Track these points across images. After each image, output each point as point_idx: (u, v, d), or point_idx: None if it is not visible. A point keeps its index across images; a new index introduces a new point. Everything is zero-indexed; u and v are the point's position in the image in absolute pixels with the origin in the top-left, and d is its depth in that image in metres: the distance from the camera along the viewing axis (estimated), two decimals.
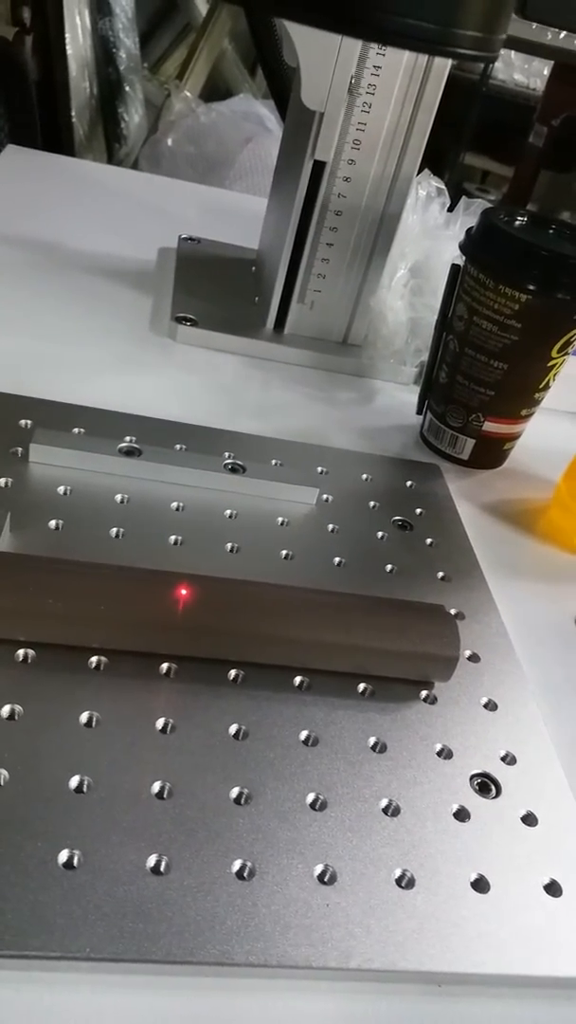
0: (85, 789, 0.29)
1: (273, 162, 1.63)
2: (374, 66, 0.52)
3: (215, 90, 2.37)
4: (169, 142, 1.66)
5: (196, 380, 0.56)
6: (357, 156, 0.54)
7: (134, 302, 0.63)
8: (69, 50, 2.19)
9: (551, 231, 0.51)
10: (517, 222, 0.51)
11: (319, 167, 0.55)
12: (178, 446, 0.47)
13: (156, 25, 2.64)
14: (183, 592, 0.33)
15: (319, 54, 0.49)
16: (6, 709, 0.30)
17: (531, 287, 0.47)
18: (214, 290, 0.64)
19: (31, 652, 0.32)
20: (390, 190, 0.56)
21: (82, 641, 0.33)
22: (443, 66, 0.52)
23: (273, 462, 0.48)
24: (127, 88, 2.37)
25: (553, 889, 0.30)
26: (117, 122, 2.43)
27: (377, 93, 0.52)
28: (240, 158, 1.53)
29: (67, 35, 2.17)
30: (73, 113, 2.10)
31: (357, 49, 0.50)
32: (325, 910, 0.27)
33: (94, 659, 0.33)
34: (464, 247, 0.50)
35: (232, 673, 0.34)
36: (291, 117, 0.61)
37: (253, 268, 0.69)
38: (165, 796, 0.29)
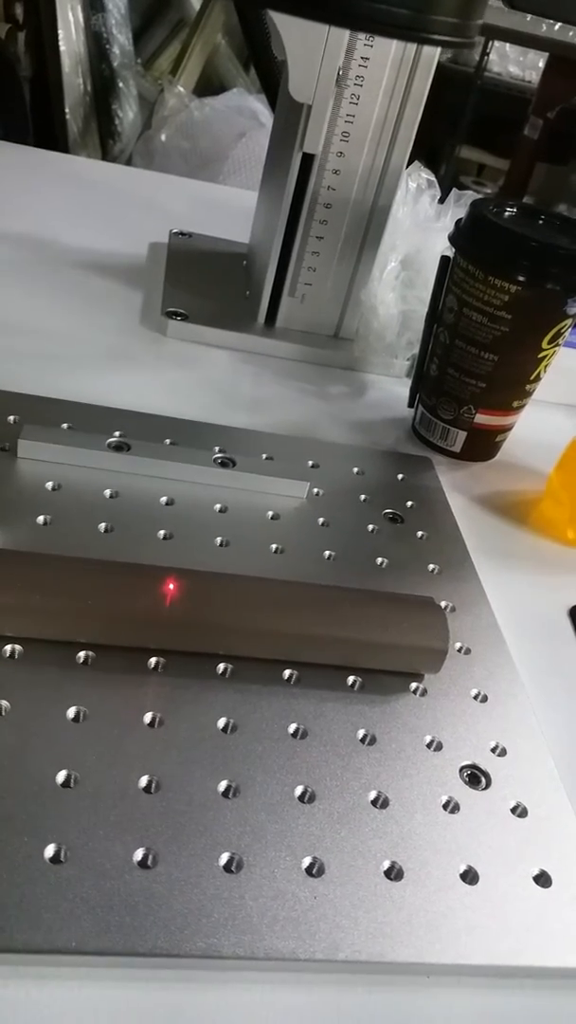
0: (72, 784, 0.29)
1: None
2: (362, 57, 0.51)
3: (209, 85, 2.37)
4: (163, 137, 1.65)
5: (187, 375, 0.56)
6: (346, 148, 0.54)
7: (125, 297, 0.63)
8: (62, 46, 2.18)
9: (540, 222, 0.51)
10: (506, 213, 0.50)
11: (308, 160, 0.55)
12: (168, 441, 0.47)
13: (149, 21, 2.63)
14: (171, 586, 0.33)
15: (306, 46, 0.48)
16: None
17: (520, 278, 0.47)
18: (205, 285, 0.64)
19: (18, 648, 0.32)
20: (380, 182, 0.56)
21: (70, 636, 0.33)
22: (431, 57, 0.52)
23: (264, 456, 0.48)
24: (121, 84, 2.37)
25: (542, 880, 0.30)
26: (111, 118, 2.42)
27: (365, 85, 0.52)
28: (234, 153, 1.53)
29: (60, 31, 2.16)
30: (67, 110, 2.10)
31: (344, 41, 0.50)
32: (313, 902, 0.27)
33: (82, 654, 0.33)
34: (453, 239, 0.50)
35: (221, 667, 0.34)
36: (280, 110, 0.61)
37: (244, 262, 0.69)
38: (152, 790, 0.29)
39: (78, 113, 2.22)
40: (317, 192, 0.56)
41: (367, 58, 0.51)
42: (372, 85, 0.52)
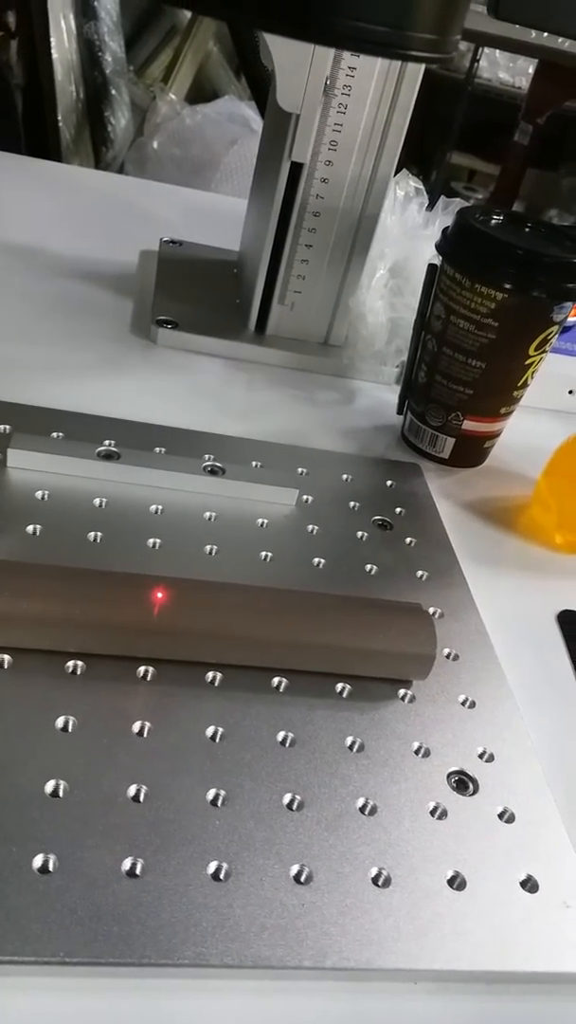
0: (61, 793, 0.29)
1: None
2: (349, 67, 0.52)
3: (201, 92, 2.37)
4: (155, 145, 1.66)
5: (177, 383, 0.56)
6: (334, 157, 0.54)
7: (115, 305, 0.63)
8: (55, 54, 2.19)
9: (527, 229, 0.51)
10: (493, 221, 0.51)
11: (297, 168, 0.55)
12: (158, 449, 0.47)
13: (141, 28, 2.63)
14: (159, 595, 0.33)
15: (294, 56, 0.49)
16: None
17: (507, 286, 0.47)
18: (195, 292, 0.64)
19: (7, 657, 0.32)
20: (368, 190, 0.56)
21: (58, 646, 0.33)
22: (418, 67, 0.52)
23: (253, 464, 0.48)
24: (113, 91, 2.37)
25: (529, 885, 0.30)
26: (104, 126, 2.42)
27: (352, 94, 0.52)
28: (225, 160, 1.53)
29: (52, 39, 2.17)
30: (59, 117, 2.10)
31: (331, 51, 0.50)
32: (301, 910, 0.27)
33: (71, 663, 0.33)
34: (440, 247, 0.50)
35: (209, 675, 0.34)
36: (269, 119, 0.61)
37: (234, 270, 0.69)
38: (141, 799, 0.29)
39: (70, 120, 2.22)
40: (306, 200, 0.56)
41: (354, 68, 0.52)
42: (359, 94, 0.52)
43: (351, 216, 0.57)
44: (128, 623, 0.33)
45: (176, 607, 0.33)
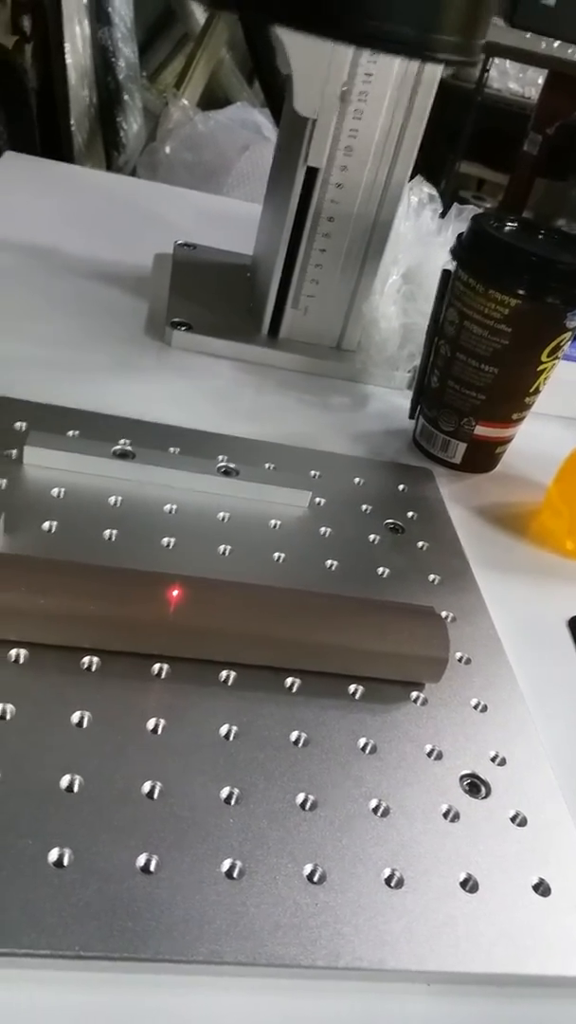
0: (76, 788, 0.29)
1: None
2: (366, 74, 0.52)
3: (213, 98, 2.38)
4: (167, 150, 1.66)
5: (191, 384, 0.57)
6: (349, 163, 0.55)
7: (130, 307, 0.63)
8: (69, 59, 2.20)
9: (540, 236, 0.51)
10: (507, 228, 0.51)
11: (312, 173, 0.55)
12: (172, 449, 0.47)
13: (155, 34, 2.65)
14: (174, 593, 0.33)
15: (311, 61, 0.49)
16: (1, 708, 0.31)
17: (520, 292, 0.47)
18: (209, 295, 0.65)
19: (23, 652, 0.33)
20: (382, 196, 0.56)
21: (74, 641, 0.33)
22: (434, 74, 0.52)
23: (266, 465, 0.48)
24: (126, 97, 2.38)
25: (542, 889, 0.30)
26: (116, 130, 2.43)
27: (369, 100, 0.53)
28: (237, 165, 1.54)
29: (67, 44, 2.18)
30: (72, 121, 2.11)
31: (349, 57, 0.51)
32: (314, 909, 0.28)
33: (86, 659, 0.33)
34: (455, 252, 0.50)
35: (223, 674, 0.34)
36: (284, 124, 0.61)
37: (248, 274, 0.69)
38: (155, 796, 0.29)
39: (83, 125, 2.23)
40: (320, 205, 0.56)
41: (371, 74, 0.52)
42: (376, 101, 0.53)
43: (365, 221, 0.57)
44: (143, 620, 0.33)
45: (191, 605, 0.33)
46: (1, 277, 0.62)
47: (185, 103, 1.97)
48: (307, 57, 0.49)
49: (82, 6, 2.23)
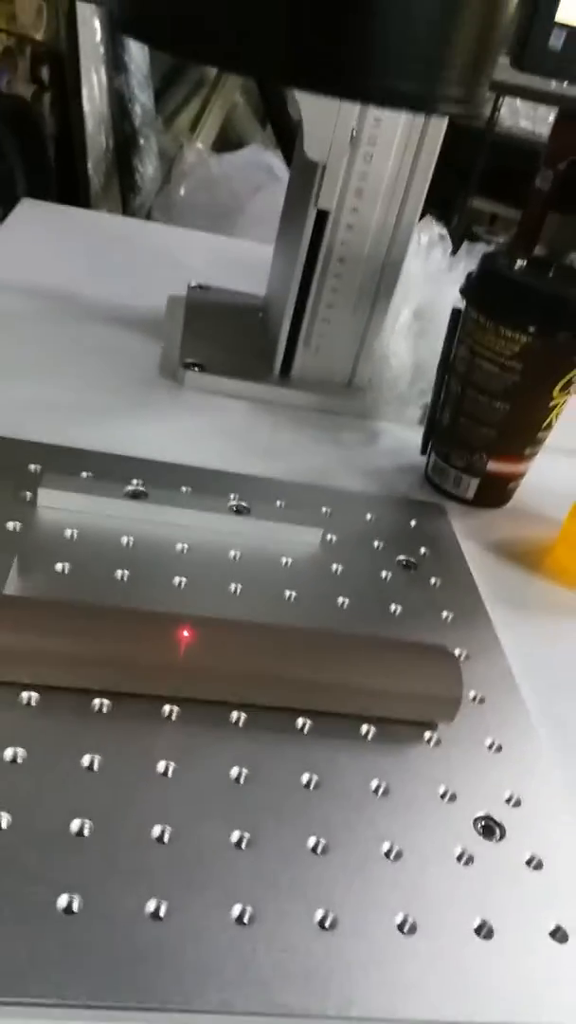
0: (86, 832, 0.29)
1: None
2: (375, 118, 0.53)
3: (227, 141, 2.43)
4: (182, 192, 1.70)
5: (203, 424, 0.57)
6: (360, 204, 0.56)
7: (144, 349, 0.64)
8: (86, 106, 2.25)
9: (550, 273, 0.52)
10: (517, 265, 0.52)
11: (323, 215, 0.56)
12: (184, 488, 0.48)
13: (170, 80, 2.71)
14: (185, 634, 0.33)
15: (320, 109, 0.50)
16: (8, 752, 0.31)
17: (531, 329, 0.48)
18: (222, 336, 0.65)
19: (34, 695, 0.33)
20: (392, 236, 0.57)
21: (84, 683, 0.33)
22: (442, 119, 0.53)
23: (278, 503, 0.49)
24: (142, 141, 2.44)
25: (559, 935, 0.30)
26: (132, 174, 2.49)
27: (378, 144, 0.54)
28: (250, 207, 1.56)
29: (84, 92, 2.24)
30: (90, 166, 2.16)
31: (358, 104, 0.52)
32: (325, 956, 0.27)
33: (97, 701, 0.33)
34: (464, 290, 0.51)
35: (234, 715, 0.34)
36: (295, 167, 0.63)
37: (260, 314, 0.70)
38: (165, 840, 0.29)
39: (100, 169, 2.28)
40: (331, 246, 0.57)
41: (379, 119, 0.53)
42: (385, 144, 0.54)
43: (376, 261, 0.58)
44: (153, 662, 0.33)
45: (201, 646, 0.33)
46: (15, 321, 0.63)
47: (200, 146, 2.01)
48: (316, 105, 0.50)
49: (99, 55, 2.29)
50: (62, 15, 2.15)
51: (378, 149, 0.54)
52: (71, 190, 2.08)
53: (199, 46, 0.20)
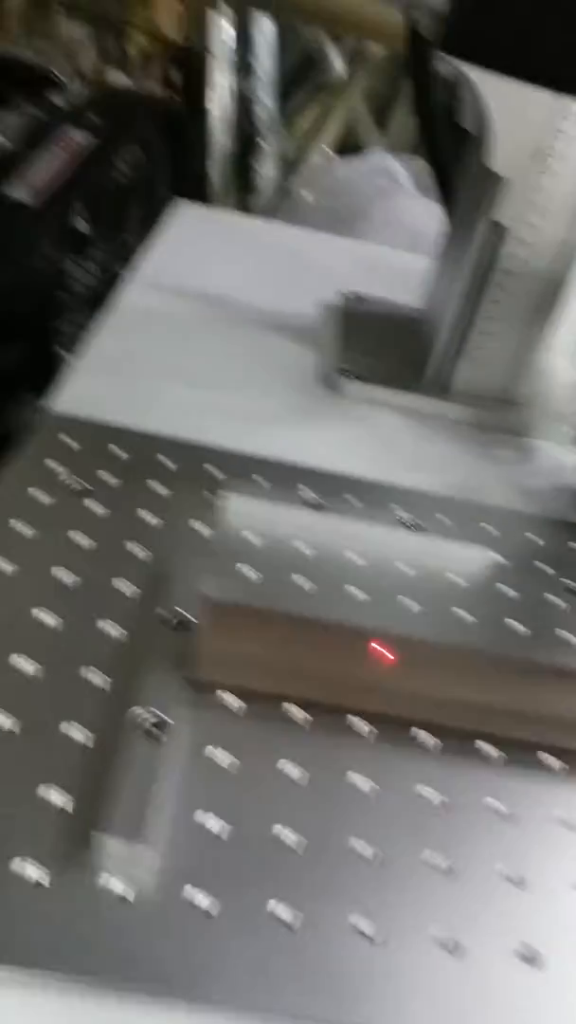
0: (296, 847, 0.29)
1: (406, 216, 1.63)
2: (557, 130, 0.52)
3: (345, 143, 2.44)
4: (305, 195, 1.70)
5: (360, 433, 0.57)
6: (537, 220, 0.55)
7: (298, 355, 0.64)
8: (212, 108, 2.30)
9: None
10: None
11: (496, 228, 0.55)
12: (348, 497, 0.48)
13: (293, 83, 2.73)
14: (384, 652, 0.33)
15: (511, 121, 0.49)
16: (224, 758, 0.31)
17: None
18: (376, 345, 0.65)
19: (241, 705, 0.33)
20: (569, 254, 0.56)
21: (287, 691, 0.33)
22: None
23: (441, 518, 0.48)
24: (262, 142, 2.47)
25: None
26: (251, 174, 2.52)
27: (564, 159, 0.52)
28: (374, 212, 1.56)
29: (211, 94, 2.28)
30: (211, 165, 2.20)
31: (546, 115, 0.51)
32: (533, 997, 0.27)
33: (297, 712, 0.33)
34: None
35: (427, 739, 0.34)
36: (467, 179, 0.62)
37: (416, 324, 0.70)
38: (370, 858, 0.29)
39: (220, 168, 2.32)
40: (503, 261, 0.56)
41: (563, 131, 0.52)
42: (571, 159, 0.52)
43: (548, 278, 0.57)
44: (356, 678, 0.33)
45: (406, 667, 0.33)
46: (178, 325, 0.65)
47: (323, 148, 2.02)
48: (508, 117, 0.49)
49: (229, 59, 2.34)
50: (196, 20, 2.19)
51: (563, 164, 0.53)
52: (193, 189, 2.12)
53: (541, 70, 0.19)
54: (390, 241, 1.46)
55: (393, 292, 0.74)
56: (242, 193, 2.51)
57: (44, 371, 1.00)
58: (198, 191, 2.13)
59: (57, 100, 1.00)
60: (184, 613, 0.36)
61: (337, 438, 0.56)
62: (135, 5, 1.86)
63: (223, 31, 2.30)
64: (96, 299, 1.08)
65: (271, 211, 2.11)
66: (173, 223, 0.84)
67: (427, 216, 1.50)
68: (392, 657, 0.33)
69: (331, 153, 2.09)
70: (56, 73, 1.03)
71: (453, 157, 0.64)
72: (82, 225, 1.01)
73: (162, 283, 0.71)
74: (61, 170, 0.86)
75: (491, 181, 0.53)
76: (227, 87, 2.32)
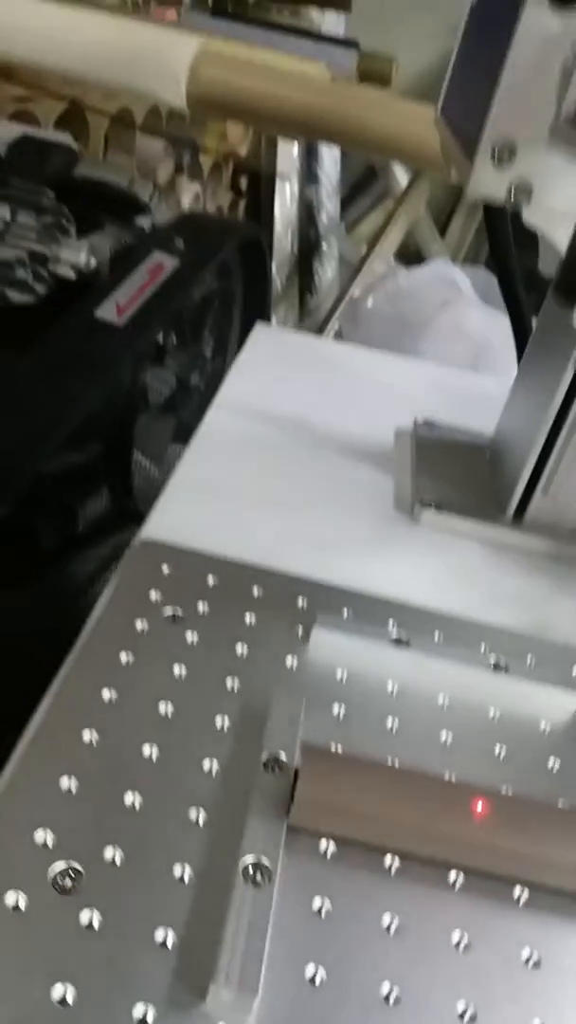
0: (392, 1000, 0.30)
1: (469, 326, 1.67)
2: None
3: (405, 251, 2.53)
4: (368, 303, 1.77)
5: (438, 564, 0.59)
6: None
7: (374, 483, 0.67)
8: (277, 213, 2.41)
9: None
10: None
11: None
12: (436, 633, 0.49)
13: (356, 190, 2.86)
14: (479, 806, 0.34)
15: None
16: (316, 902, 0.32)
17: None
18: (452, 474, 0.68)
19: (333, 848, 0.34)
20: None
21: (382, 840, 0.35)
22: None
23: (528, 659, 0.49)
24: (324, 246, 2.58)
25: None
26: (311, 275, 2.62)
27: None
28: (436, 322, 1.61)
29: (276, 200, 2.40)
30: (274, 267, 2.31)
31: None
32: None
33: (390, 859, 0.35)
34: None
35: (524, 895, 0.35)
36: (550, 306, 0.64)
37: (488, 453, 0.72)
38: (465, 1018, 0.30)
39: (283, 271, 2.42)
40: None
41: None
42: None
43: None
44: (449, 829, 0.34)
45: (497, 821, 0.34)
46: (263, 449, 0.68)
47: (387, 257, 2.10)
48: None
49: (294, 168, 2.46)
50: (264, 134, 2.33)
51: None
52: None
53: None
54: (454, 350, 1.50)
55: (465, 416, 0.77)
56: (303, 294, 2.61)
57: (119, 470, 1.05)
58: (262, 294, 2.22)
59: (143, 223, 1.07)
60: (281, 755, 0.37)
61: (416, 569, 0.58)
62: (208, 125, 1.99)
63: (290, 144, 2.43)
64: (169, 406, 1.13)
65: (330, 314, 2.19)
66: (254, 346, 0.88)
67: (490, 326, 1.55)
68: (489, 812, 0.34)
69: (393, 260, 2.17)
70: (141, 198, 1.11)
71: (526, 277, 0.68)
72: (163, 341, 1.07)
73: (245, 406, 0.74)
74: (146, 291, 0.92)
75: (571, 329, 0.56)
76: (292, 193, 2.44)
